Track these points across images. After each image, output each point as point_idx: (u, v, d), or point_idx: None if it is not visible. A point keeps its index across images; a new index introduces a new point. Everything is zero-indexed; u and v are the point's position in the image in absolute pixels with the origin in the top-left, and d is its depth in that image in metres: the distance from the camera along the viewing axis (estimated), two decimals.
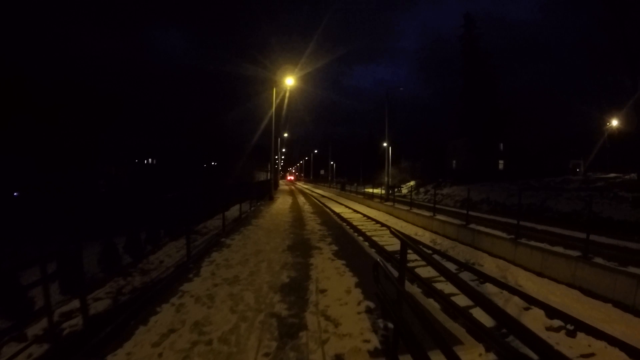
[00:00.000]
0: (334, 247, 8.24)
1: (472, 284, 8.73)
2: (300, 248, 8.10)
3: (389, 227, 15.73)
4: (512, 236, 11.01)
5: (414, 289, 6.10)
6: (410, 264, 9.72)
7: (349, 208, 25.18)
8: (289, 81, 23.47)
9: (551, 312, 7.12)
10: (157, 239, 10.26)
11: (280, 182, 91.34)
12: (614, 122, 41.05)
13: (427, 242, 13.09)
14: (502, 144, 48.04)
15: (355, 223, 17.18)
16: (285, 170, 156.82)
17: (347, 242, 9.26)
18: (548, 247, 9.91)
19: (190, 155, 53.64)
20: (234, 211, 15.06)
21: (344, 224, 16.33)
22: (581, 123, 59.64)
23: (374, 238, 13.39)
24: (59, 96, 36.93)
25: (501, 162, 48.86)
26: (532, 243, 10.30)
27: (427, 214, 16.70)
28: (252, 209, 17.69)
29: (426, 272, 9.18)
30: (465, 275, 9.28)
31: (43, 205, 21.97)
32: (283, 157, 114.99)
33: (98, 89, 45.05)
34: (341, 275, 5.91)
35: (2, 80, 30.59)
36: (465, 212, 18.15)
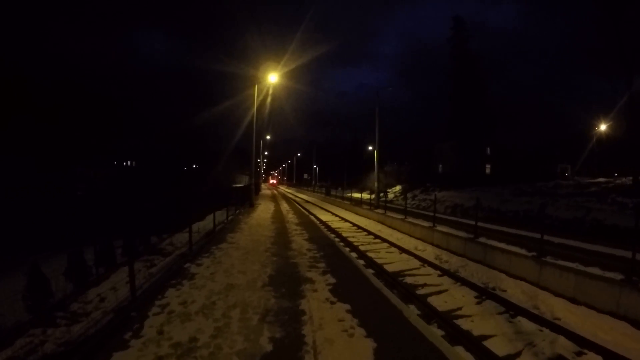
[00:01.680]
0: (330, 279, 6.38)
1: (502, 318, 6.99)
2: (286, 280, 6.21)
3: (385, 240, 13.95)
4: (534, 253, 9.35)
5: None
6: (427, 289, 7.97)
7: (336, 216, 23.33)
8: (272, 78, 21.62)
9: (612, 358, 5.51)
10: (112, 259, 8.33)
11: (263, 186, 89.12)
12: (602, 127, 40.56)
13: (431, 258, 11.34)
14: (489, 148, 47.15)
15: (346, 235, 15.33)
16: (267, 173, 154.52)
17: (344, 267, 7.43)
18: (581, 267, 8.26)
19: (170, 157, 51.22)
20: (208, 221, 13.14)
21: (335, 237, 14.50)
22: (567, 128, 59.76)
23: (369, 254, 11.57)
24: (40, 96, 34.56)
25: (488, 166, 47.95)
26: (561, 263, 8.65)
27: (425, 224, 14.99)
28: (230, 218, 15.74)
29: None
30: (490, 306, 7.53)
31: (15, 209, 19.76)
32: (265, 160, 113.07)
33: (78, 90, 42.46)
34: (350, 336, 4.02)
35: None
36: (466, 220, 16.63)
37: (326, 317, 4.54)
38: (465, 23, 44.23)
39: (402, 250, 12.32)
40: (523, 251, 9.71)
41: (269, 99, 29.82)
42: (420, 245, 13.33)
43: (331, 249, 9.18)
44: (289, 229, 12.51)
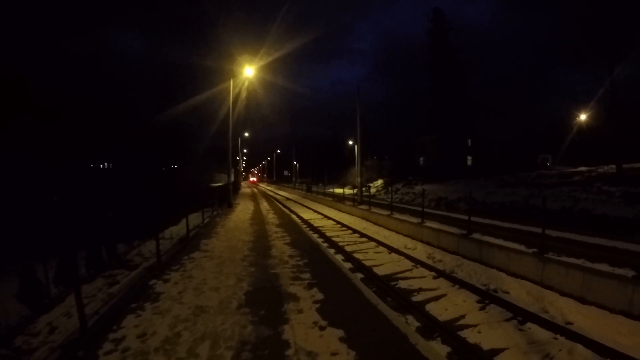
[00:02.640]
0: (317, 293, 5.45)
1: (510, 325, 6.20)
2: (266, 298, 5.27)
3: (372, 239, 13.10)
4: (534, 250, 8.64)
5: None
6: (423, 295, 7.12)
7: (319, 213, 22.41)
8: (248, 71, 20.49)
9: None
10: (73, 274, 7.25)
11: (243, 184, 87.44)
12: (582, 117, 40.70)
13: (424, 258, 10.53)
14: (469, 140, 47.03)
15: (330, 234, 14.43)
16: (247, 171, 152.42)
17: (331, 276, 6.54)
18: (589, 264, 7.57)
19: (147, 158, 49.26)
20: (182, 226, 12.12)
21: (318, 237, 13.62)
22: (546, 119, 60.38)
23: (357, 256, 10.71)
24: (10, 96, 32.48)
25: (469, 158, 47.87)
26: (566, 259, 7.94)
27: (413, 219, 14.20)
28: (206, 221, 14.66)
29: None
30: (495, 311, 6.73)
31: None
32: (245, 157, 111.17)
33: (51, 90, 40.31)
34: None
35: None
36: (454, 214, 15.97)
37: (316, 349, 3.62)
38: (444, 15, 43.79)
39: (391, 249, 11.48)
40: (522, 248, 9.00)
41: (244, 94, 28.57)
42: (410, 243, 12.51)
43: (315, 254, 8.25)
44: (269, 232, 11.53)
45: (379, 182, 47.84)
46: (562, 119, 46.41)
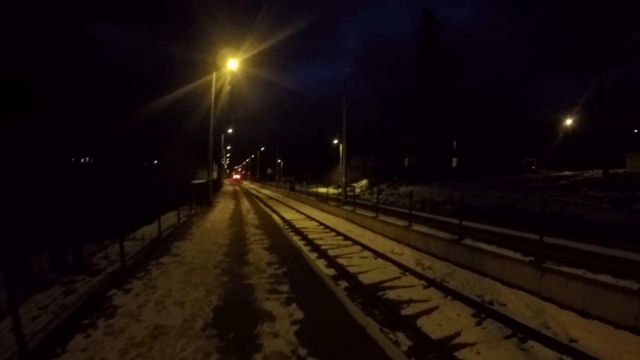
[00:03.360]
0: (296, 311, 4.70)
1: (511, 344, 5.54)
2: (237, 316, 4.51)
3: (356, 242, 12.39)
4: (531, 258, 8.05)
5: None
6: (413, 307, 6.42)
7: (301, 213, 21.60)
8: (231, 64, 19.63)
9: None
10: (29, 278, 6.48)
11: (226, 181, 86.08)
12: (568, 121, 40.92)
13: (412, 264, 9.87)
14: (455, 142, 46.86)
15: (312, 236, 13.67)
16: (231, 168, 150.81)
17: (313, 289, 5.80)
18: (590, 275, 6.99)
19: (130, 153, 47.58)
20: (155, 226, 11.24)
21: (300, 239, 12.91)
22: (531, 122, 60.90)
23: (340, 261, 9.98)
24: None
25: (454, 160, 47.75)
26: (565, 269, 7.37)
27: (400, 222, 13.55)
28: (182, 220, 13.75)
29: None
30: (494, 327, 6.08)
31: None
32: (229, 155, 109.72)
33: (31, 84, 38.40)
34: None
35: None
36: (442, 217, 15.42)
37: None
38: (434, 16, 43.39)
39: (377, 254, 10.78)
40: (518, 256, 8.40)
41: (228, 88, 27.63)
42: (397, 247, 11.83)
43: (296, 260, 7.47)
44: (248, 234, 10.71)
45: (364, 182, 47.33)
46: (547, 123, 46.72)
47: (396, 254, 11.05)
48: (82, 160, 53.07)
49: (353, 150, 56.40)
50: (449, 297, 7.31)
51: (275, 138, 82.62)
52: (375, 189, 40.60)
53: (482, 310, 6.67)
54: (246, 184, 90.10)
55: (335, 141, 50.53)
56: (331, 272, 8.84)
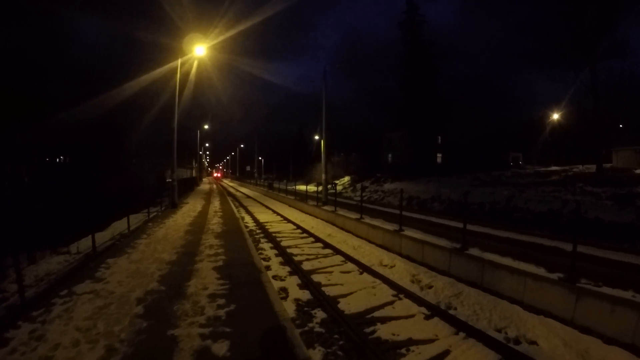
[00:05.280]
0: None
1: None
2: None
3: (338, 251, 10.43)
4: (560, 275, 6.24)
5: None
6: (417, 353, 4.53)
7: (278, 214, 19.52)
8: (199, 50, 17.45)
9: None
10: None
11: (205, 180, 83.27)
12: (555, 116, 39.95)
13: (407, 282, 7.94)
14: (439, 137, 45.49)
15: (286, 243, 11.64)
16: (212, 166, 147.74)
17: (271, 343, 3.77)
18: None
19: (106, 151, 44.58)
20: (108, 232, 9.42)
21: (271, 248, 10.88)
22: (514, 118, 60.29)
23: (317, 278, 7.99)
24: None
25: (439, 155, 46.40)
26: (607, 291, 5.57)
27: (388, 226, 11.63)
28: (135, 227, 11.70)
29: None
30: None
31: None
32: (208, 152, 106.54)
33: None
34: None
35: None
36: (436, 219, 13.71)
37: None
38: (418, 7, 41.75)
39: (363, 267, 8.80)
40: (542, 271, 6.58)
41: (198, 79, 25.34)
42: (386, 257, 9.85)
43: (253, 290, 5.46)
44: (203, 245, 8.65)
45: (346, 179, 45.57)
46: (532, 119, 46.02)
47: (386, 266, 9.10)
48: (58, 159, 49.99)
49: (335, 146, 54.68)
50: (461, 335, 5.40)
51: (254, 134, 79.88)
52: (358, 186, 38.85)
53: (510, 357, 4.79)
54: (226, 182, 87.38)
55: (317, 137, 48.72)
56: (304, 294, 6.86)
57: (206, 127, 53.53)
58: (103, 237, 10.06)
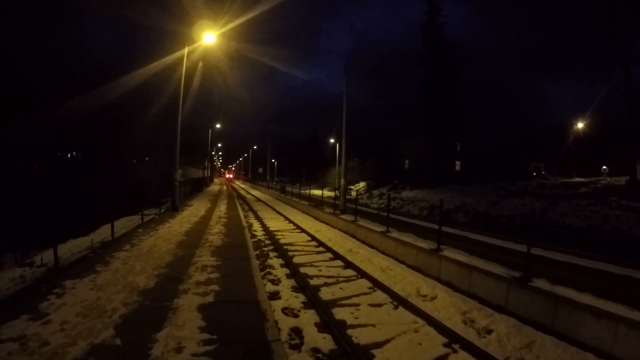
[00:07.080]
0: None
1: None
2: None
3: (363, 274, 8.66)
4: None
5: None
6: None
7: (290, 222, 17.76)
8: (209, 37, 16.05)
9: None
10: None
11: (216, 180, 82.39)
12: (580, 125, 37.78)
13: (458, 322, 6.08)
14: (459, 144, 43.45)
15: (299, 260, 9.88)
16: (225, 167, 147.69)
17: None
18: None
19: (117, 148, 43.85)
20: (91, 238, 8.04)
21: (282, 266, 9.15)
22: (533, 126, 58.01)
23: (339, 313, 6.24)
24: None
25: (458, 163, 44.38)
26: None
27: (423, 243, 9.78)
28: (121, 233, 10.16)
29: None
30: None
31: None
32: (220, 153, 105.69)
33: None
34: None
35: None
36: (466, 234, 11.91)
37: None
38: (441, 9, 39.92)
39: (397, 299, 6.97)
40: (637, 315, 4.75)
41: (198, 70, 24.01)
42: (423, 284, 8.01)
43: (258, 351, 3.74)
44: (194, 267, 6.93)
45: (361, 184, 43.86)
46: (553, 127, 43.90)
47: (425, 297, 7.28)
48: (69, 155, 49.35)
49: (350, 151, 52.87)
50: None
51: (268, 136, 78.58)
52: (374, 193, 37.00)
53: None
54: (238, 183, 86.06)
55: (332, 141, 47.12)
56: (326, 343, 5.11)
57: (218, 125, 52.33)
58: (81, 244, 8.56)
